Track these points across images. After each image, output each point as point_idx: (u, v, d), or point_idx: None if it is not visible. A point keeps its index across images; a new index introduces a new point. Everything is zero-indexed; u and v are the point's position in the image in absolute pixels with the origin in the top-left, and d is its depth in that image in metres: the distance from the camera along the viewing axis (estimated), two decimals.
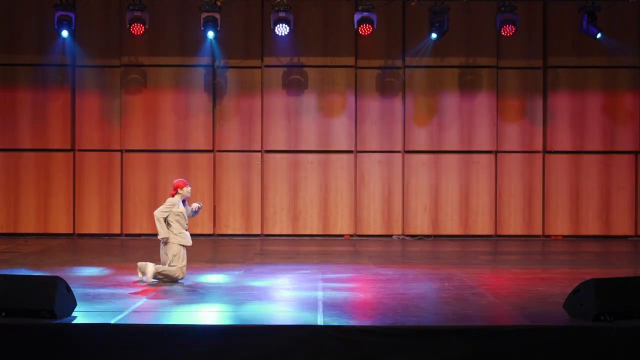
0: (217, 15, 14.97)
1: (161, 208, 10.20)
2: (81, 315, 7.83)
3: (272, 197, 16.45)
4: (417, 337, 7.42)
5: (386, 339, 7.40)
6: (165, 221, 10.16)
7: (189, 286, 9.95)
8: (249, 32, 16.36)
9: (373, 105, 16.47)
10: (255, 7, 16.30)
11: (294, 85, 16.45)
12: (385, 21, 16.02)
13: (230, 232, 16.43)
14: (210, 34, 15.17)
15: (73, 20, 15.07)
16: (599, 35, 15.35)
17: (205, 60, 16.33)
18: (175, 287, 9.85)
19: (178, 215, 10.20)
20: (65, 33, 15.18)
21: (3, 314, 7.53)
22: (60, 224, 16.33)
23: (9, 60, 16.24)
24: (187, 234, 10.32)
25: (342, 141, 16.45)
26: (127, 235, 16.36)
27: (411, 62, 16.38)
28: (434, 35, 15.35)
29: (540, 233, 16.55)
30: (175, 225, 10.19)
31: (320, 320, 7.78)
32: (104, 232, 16.36)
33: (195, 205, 10.44)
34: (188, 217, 10.35)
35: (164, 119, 16.39)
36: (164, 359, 7.33)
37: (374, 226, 16.50)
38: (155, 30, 15.94)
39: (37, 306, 7.53)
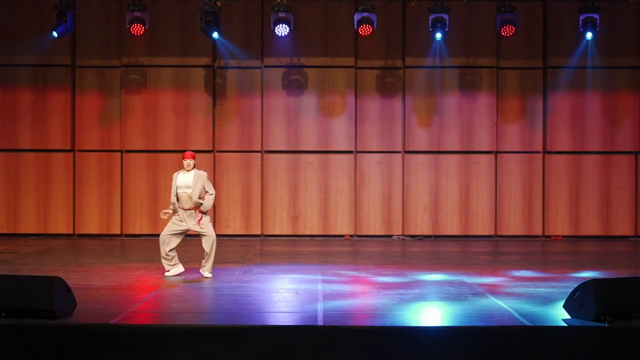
0: (217, 16, 14.98)
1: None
2: (81, 315, 7.83)
3: (272, 198, 16.45)
4: (417, 337, 7.42)
5: (386, 339, 7.40)
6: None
7: (189, 286, 9.96)
8: (249, 32, 16.36)
9: (373, 105, 16.47)
10: (255, 7, 16.30)
11: (294, 85, 16.45)
12: (385, 21, 16.02)
13: (230, 232, 16.42)
14: (215, 35, 15.17)
15: (73, 20, 15.08)
16: (589, 36, 15.35)
17: (205, 60, 16.33)
18: (175, 288, 9.85)
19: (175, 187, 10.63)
20: (63, 33, 15.18)
21: (3, 314, 7.52)
22: (60, 225, 16.34)
23: (9, 61, 16.22)
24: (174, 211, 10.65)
25: (342, 141, 16.45)
26: (127, 235, 16.36)
27: (411, 62, 16.38)
28: (438, 36, 15.29)
29: (540, 233, 16.54)
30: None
31: (320, 321, 7.78)
32: (104, 232, 16.36)
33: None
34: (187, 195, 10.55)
35: (164, 119, 16.38)
36: (164, 359, 7.33)
37: (373, 226, 16.50)
38: (155, 30, 15.95)
39: (37, 306, 7.52)
